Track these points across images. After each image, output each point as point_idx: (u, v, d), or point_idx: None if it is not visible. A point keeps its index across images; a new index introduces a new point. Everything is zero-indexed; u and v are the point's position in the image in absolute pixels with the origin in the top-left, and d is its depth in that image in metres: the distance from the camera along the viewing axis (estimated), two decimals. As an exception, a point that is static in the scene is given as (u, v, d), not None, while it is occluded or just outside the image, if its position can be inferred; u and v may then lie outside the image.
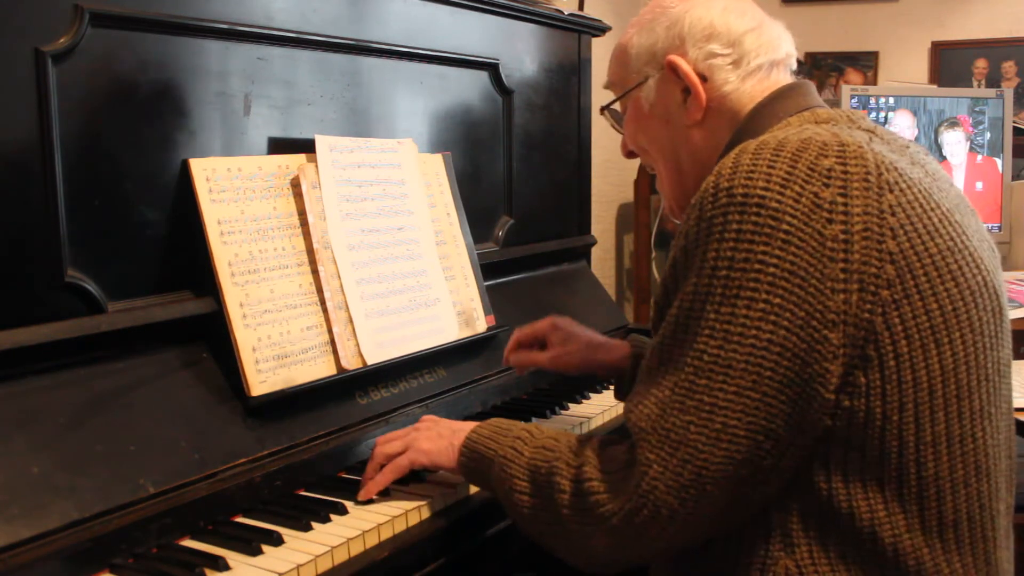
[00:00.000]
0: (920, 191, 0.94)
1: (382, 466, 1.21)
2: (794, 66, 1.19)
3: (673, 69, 1.13)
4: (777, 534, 0.95)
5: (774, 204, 0.90)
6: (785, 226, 0.89)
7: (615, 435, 1.06)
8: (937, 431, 0.92)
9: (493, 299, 1.72)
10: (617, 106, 1.26)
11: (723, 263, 0.91)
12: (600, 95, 2.51)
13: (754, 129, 1.08)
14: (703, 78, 1.12)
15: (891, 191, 0.91)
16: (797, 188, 0.90)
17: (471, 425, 1.18)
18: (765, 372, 0.89)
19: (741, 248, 0.90)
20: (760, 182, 0.90)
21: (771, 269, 0.89)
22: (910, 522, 0.93)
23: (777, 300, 0.89)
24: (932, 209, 0.94)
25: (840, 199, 0.90)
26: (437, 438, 1.19)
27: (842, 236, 0.89)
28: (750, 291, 0.90)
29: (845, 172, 0.91)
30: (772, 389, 0.89)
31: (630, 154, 1.28)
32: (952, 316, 0.92)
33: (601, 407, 1.65)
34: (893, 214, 0.91)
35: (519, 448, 1.09)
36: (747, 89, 1.12)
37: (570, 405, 1.67)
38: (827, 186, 0.90)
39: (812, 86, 1.15)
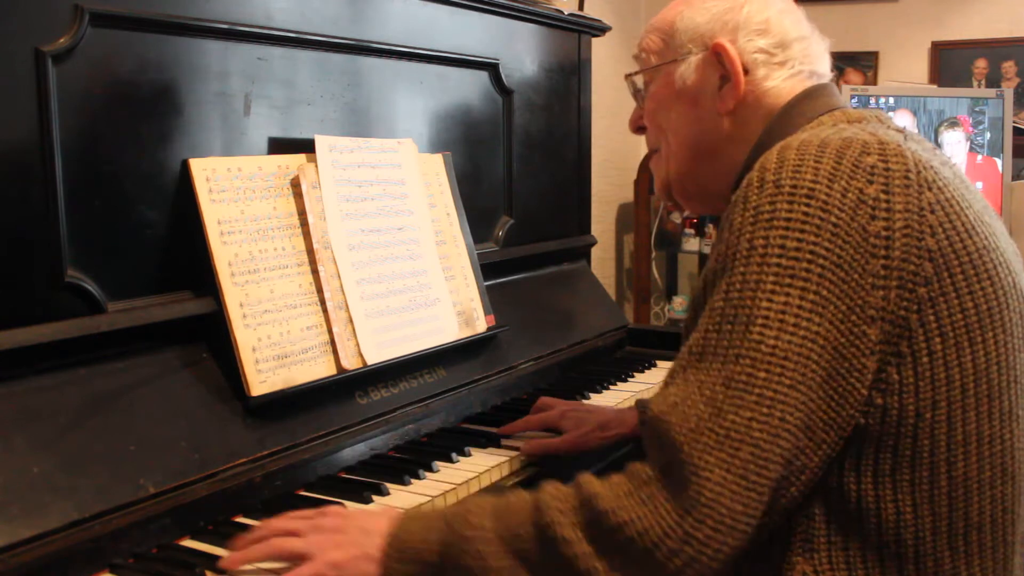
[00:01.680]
0: (954, 190, 0.95)
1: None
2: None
3: (718, 54, 1.12)
4: (797, 538, 0.94)
5: (823, 196, 0.90)
6: (833, 219, 0.89)
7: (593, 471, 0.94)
8: (968, 431, 0.92)
9: (493, 299, 1.72)
10: (640, 79, 1.24)
11: (774, 250, 0.89)
12: (600, 95, 2.51)
13: (785, 127, 1.08)
14: (745, 70, 1.12)
15: (929, 189, 0.92)
16: (843, 183, 0.90)
17: (382, 524, 0.97)
18: (811, 364, 0.88)
19: (792, 237, 0.89)
20: (808, 175, 0.91)
21: (821, 260, 0.88)
22: (937, 524, 0.92)
23: (825, 292, 0.88)
24: (966, 208, 0.94)
25: (883, 196, 0.90)
26: (350, 545, 0.96)
27: (884, 233, 0.89)
28: (803, 280, 0.88)
29: (887, 170, 0.91)
30: (815, 383, 0.88)
31: (639, 129, 1.25)
32: (986, 315, 0.92)
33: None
34: (932, 212, 0.91)
35: (475, 523, 0.91)
36: (785, 89, 1.12)
37: (570, 405, 1.66)
38: (871, 183, 0.91)
39: (835, 86, 1.15)
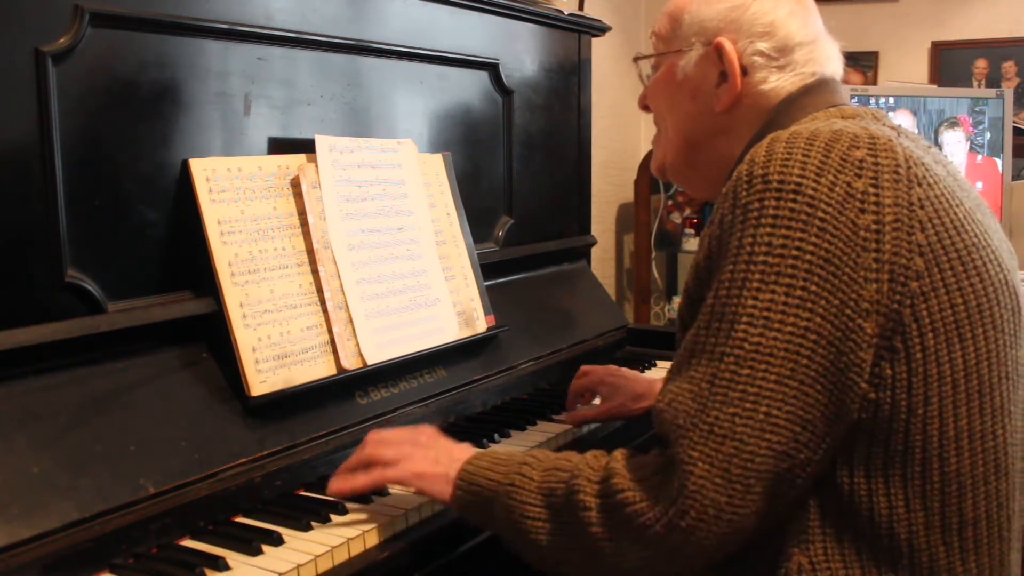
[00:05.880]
0: (945, 187, 0.95)
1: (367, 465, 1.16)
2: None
3: (718, 51, 1.12)
4: (792, 529, 0.95)
5: (810, 191, 0.90)
6: (820, 213, 0.90)
7: (637, 449, 1.03)
8: (960, 426, 0.92)
9: (493, 299, 1.72)
10: (647, 63, 1.25)
11: (761, 248, 0.91)
12: (600, 95, 2.51)
13: (781, 122, 1.08)
14: (744, 70, 1.11)
15: (919, 185, 0.93)
16: (831, 177, 0.91)
17: (468, 454, 1.12)
18: (802, 360, 0.89)
19: (778, 234, 0.90)
20: (796, 169, 0.91)
21: (808, 256, 0.89)
22: (930, 519, 0.93)
23: (813, 287, 0.89)
24: (956, 206, 0.95)
25: (872, 190, 0.91)
26: (434, 463, 1.12)
27: (874, 226, 0.90)
28: (788, 277, 0.90)
29: (876, 164, 0.92)
30: (808, 378, 0.89)
31: (646, 108, 1.26)
32: (976, 311, 0.93)
33: (601, 407, 1.65)
34: (922, 207, 0.92)
35: (526, 473, 1.03)
36: (784, 91, 1.12)
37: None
38: (859, 176, 0.91)
39: (840, 84, 1.15)
